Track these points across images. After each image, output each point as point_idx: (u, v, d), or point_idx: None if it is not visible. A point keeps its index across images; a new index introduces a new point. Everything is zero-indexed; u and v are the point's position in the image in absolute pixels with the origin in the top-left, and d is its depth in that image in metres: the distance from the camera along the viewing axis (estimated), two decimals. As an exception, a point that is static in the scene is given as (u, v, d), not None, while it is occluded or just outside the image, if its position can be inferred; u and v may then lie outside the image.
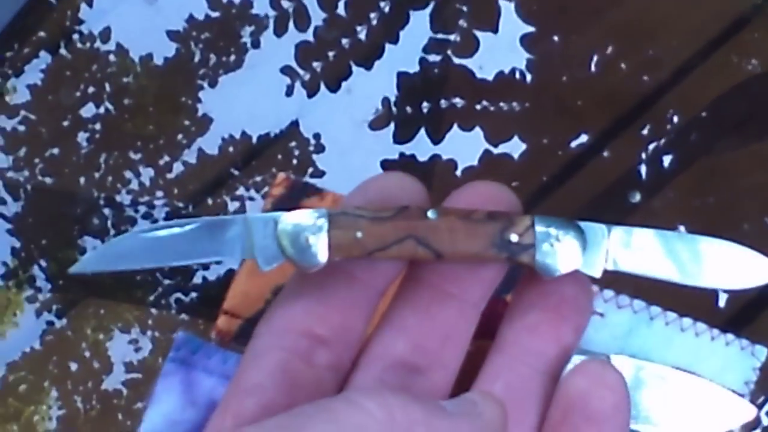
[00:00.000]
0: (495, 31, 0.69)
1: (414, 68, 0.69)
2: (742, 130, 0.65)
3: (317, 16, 0.71)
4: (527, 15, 0.68)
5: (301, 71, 0.70)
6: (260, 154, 0.70)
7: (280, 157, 0.69)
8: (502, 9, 0.69)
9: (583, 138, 0.67)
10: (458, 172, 0.67)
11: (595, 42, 0.68)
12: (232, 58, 0.72)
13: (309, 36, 0.70)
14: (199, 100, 0.71)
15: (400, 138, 0.68)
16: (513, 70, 0.68)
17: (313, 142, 0.70)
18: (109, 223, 0.69)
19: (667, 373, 0.52)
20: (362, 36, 0.70)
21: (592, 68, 0.68)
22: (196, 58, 0.72)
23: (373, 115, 0.69)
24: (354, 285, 0.34)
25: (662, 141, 0.65)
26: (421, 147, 0.68)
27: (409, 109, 0.69)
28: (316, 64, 0.70)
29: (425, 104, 0.68)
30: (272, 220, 0.33)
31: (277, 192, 0.56)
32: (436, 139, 0.68)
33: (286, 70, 0.70)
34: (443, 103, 0.68)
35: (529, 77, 0.68)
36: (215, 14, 0.73)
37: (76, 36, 0.72)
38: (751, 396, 0.54)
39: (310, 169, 0.69)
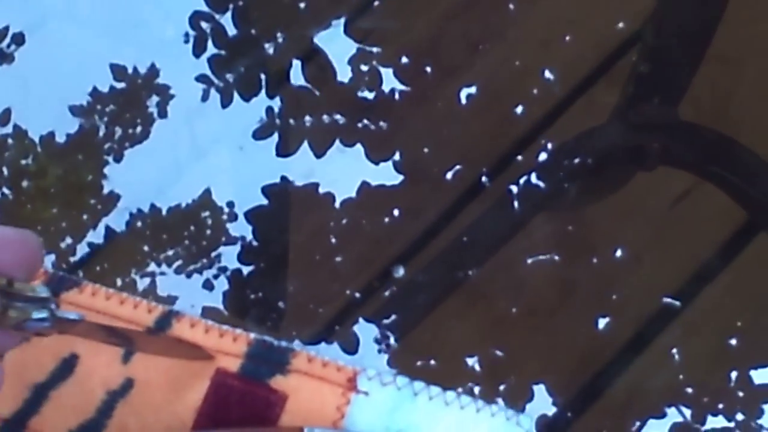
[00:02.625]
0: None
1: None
2: (596, 180, 0.65)
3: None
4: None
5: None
6: (171, 226, 0.67)
7: (192, 228, 0.67)
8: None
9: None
10: (337, 204, 0.66)
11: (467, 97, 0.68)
12: (139, 129, 0.69)
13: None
14: (104, 176, 0.68)
15: (283, 151, 0.67)
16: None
17: (226, 210, 0.67)
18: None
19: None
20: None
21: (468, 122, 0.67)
22: (101, 132, 0.69)
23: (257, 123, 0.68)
24: None
25: (543, 193, 0.64)
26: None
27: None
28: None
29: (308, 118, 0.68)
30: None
31: None
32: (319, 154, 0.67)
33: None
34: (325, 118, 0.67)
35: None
36: (120, 85, 0.70)
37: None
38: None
39: (223, 238, 0.66)
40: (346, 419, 0.52)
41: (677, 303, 0.60)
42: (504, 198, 0.64)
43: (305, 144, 0.67)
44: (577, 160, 0.65)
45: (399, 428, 0.52)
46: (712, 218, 0.63)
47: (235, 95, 0.69)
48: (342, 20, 0.70)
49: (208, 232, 0.66)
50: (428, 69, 0.68)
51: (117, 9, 0.73)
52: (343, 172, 0.66)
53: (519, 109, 0.66)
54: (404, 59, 0.69)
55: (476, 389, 0.58)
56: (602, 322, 0.61)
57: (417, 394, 0.53)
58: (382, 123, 0.67)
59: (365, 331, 0.61)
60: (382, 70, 0.69)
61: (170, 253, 0.66)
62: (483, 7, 0.70)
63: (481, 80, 0.68)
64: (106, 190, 0.68)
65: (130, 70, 0.71)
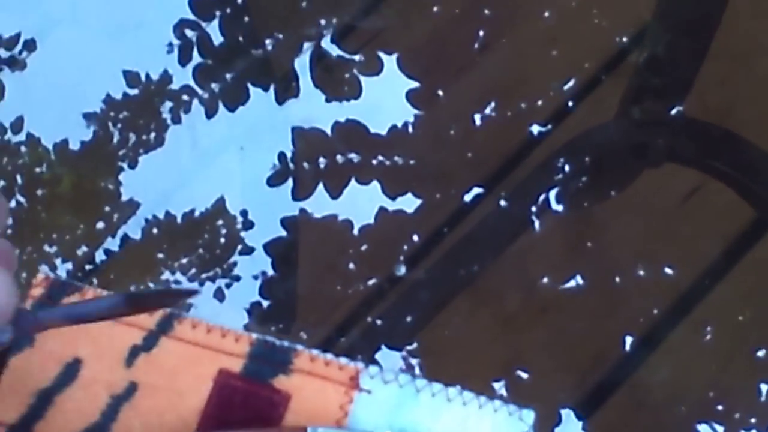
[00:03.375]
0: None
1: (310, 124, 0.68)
2: (603, 178, 0.65)
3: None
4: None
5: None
6: (186, 234, 0.66)
7: (206, 236, 0.66)
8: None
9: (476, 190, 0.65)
10: (355, 231, 0.65)
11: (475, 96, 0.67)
12: (153, 135, 0.69)
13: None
14: (119, 183, 0.68)
15: (298, 195, 0.66)
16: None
17: (240, 219, 0.66)
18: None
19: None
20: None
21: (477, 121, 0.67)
22: (115, 139, 0.69)
23: (270, 170, 0.67)
24: None
25: (551, 191, 0.64)
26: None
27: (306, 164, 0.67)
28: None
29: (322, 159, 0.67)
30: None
31: (37, 293, 0.55)
32: (335, 195, 0.66)
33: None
34: (339, 158, 0.67)
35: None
36: (134, 92, 0.70)
37: (-16, 130, 0.70)
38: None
39: (239, 247, 0.66)
40: (350, 418, 0.52)
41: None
42: (512, 198, 0.64)
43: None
44: (584, 158, 0.64)
45: (402, 425, 0.52)
46: (722, 215, 0.63)
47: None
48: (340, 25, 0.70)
49: (222, 240, 0.66)
50: (434, 70, 0.68)
51: (120, 11, 0.73)
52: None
53: (526, 109, 0.66)
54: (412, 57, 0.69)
55: (485, 363, 0.59)
56: (613, 318, 0.61)
57: (419, 392, 0.53)
58: (396, 158, 0.66)
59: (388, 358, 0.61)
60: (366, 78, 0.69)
61: (184, 260, 0.66)
62: (489, 7, 0.69)
63: (487, 80, 0.68)
64: (121, 197, 0.68)
65: (143, 77, 0.70)
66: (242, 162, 0.67)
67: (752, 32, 0.67)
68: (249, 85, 0.69)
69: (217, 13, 0.71)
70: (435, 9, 0.70)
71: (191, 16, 0.71)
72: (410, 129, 0.67)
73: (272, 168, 0.67)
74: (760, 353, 0.59)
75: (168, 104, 0.70)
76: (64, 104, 0.70)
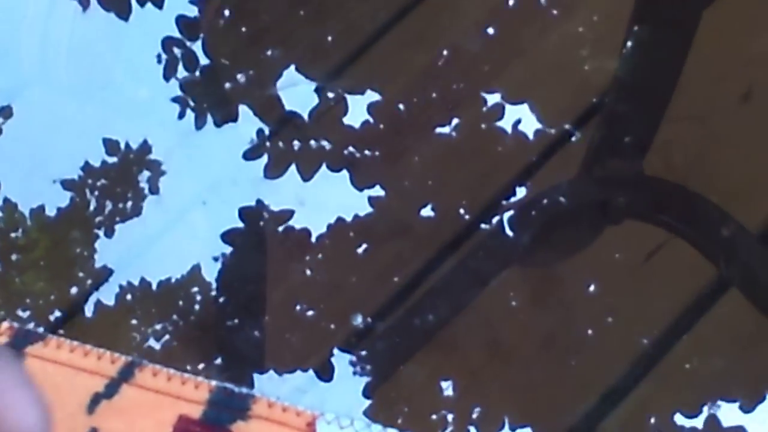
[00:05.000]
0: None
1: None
2: (566, 234, 0.66)
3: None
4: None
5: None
6: (160, 301, 0.66)
7: (181, 303, 0.66)
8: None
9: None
10: (313, 239, 0.66)
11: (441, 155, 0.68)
12: (129, 204, 0.69)
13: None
14: (94, 249, 0.68)
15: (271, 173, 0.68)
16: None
17: (214, 285, 0.66)
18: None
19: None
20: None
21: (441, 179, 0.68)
22: (92, 207, 0.69)
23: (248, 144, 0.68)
24: None
25: (514, 248, 0.65)
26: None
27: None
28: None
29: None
30: None
31: (1, 341, 0.55)
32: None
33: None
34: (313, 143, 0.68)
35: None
36: (112, 160, 0.71)
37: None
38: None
39: (215, 313, 0.65)
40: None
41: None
42: (477, 252, 0.64)
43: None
44: (546, 215, 0.65)
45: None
46: (686, 271, 0.63)
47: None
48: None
49: (197, 307, 0.66)
50: (405, 126, 0.69)
51: (88, 71, 0.74)
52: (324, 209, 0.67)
53: (490, 169, 0.67)
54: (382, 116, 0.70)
55: (449, 416, 0.59)
56: (577, 374, 0.61)
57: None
58: (367, 152, 0.67)
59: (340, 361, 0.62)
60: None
61: (158, 327, 0.66)
62: (458, 66, 0.71)
63: (455, 136, 0.68)
64: (95, 264, 0.68)
65: (122, 145, 0.71)
66: (207, 218, 0.68)
67: (711, 95, 0.68)
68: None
69: (180, 76, 0.72)
70: (402, 73, 0.72)
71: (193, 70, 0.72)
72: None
73: (249, 142, 0.68)
74: (724, 409, 0.59)
75: (146, 173, 0.70)
76: (41, 170, 0.71)
